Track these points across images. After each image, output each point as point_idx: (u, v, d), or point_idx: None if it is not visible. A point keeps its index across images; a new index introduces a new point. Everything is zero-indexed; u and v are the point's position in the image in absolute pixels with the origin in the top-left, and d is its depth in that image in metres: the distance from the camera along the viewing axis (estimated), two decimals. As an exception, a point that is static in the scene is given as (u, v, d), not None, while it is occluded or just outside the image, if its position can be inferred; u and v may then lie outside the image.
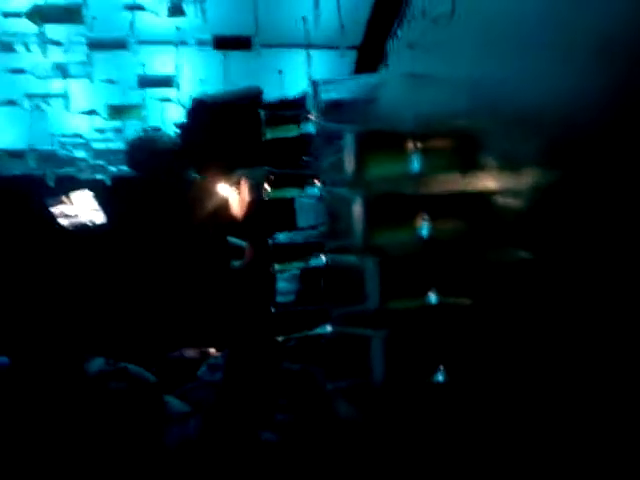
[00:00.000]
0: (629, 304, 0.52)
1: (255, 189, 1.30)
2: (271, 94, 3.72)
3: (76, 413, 1.30)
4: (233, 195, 1.36)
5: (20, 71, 3.13)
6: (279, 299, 1.55)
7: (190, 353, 3.77)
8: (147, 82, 3.45)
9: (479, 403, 0.83)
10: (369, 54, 3.42)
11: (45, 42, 2.87)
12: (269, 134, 1.01)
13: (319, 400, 1.31)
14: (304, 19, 3.18)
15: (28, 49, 2.91)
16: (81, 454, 1.28)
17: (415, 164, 0.95)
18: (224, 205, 1.42)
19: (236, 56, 3.25)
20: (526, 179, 0.74)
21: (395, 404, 1.03)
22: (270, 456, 1.25)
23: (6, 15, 2.79)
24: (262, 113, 1.00)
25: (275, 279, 1.30)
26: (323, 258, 1.11)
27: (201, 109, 2.29)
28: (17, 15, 2.75)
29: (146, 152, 2.64)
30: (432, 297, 0.91)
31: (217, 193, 1.61)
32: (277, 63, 3.56)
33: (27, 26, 2.83)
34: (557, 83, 0.68)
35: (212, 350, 3.31)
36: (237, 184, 1.36)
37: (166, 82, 3.31)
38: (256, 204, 1.28)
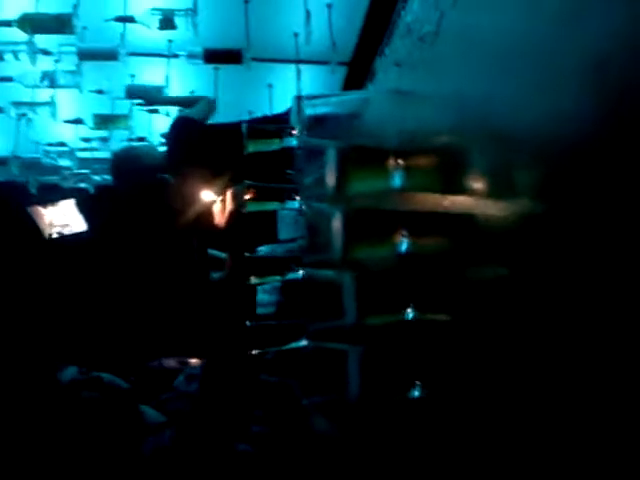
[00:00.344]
0: (612, 325, 0.52)
1: (238, 199, 1.30)
2: (260, 107, 3.74)
3: (49, 422, 1.28)
4: (216, 204, 1.37)
5: (8, 79, 3.12)
6: (259, 310, 1.54)
7: (170, 363, 3.73)
8: (135, 93, 3.45)
9: (455, 419, 0.83)
10: (358, 70, 3.46)
11: (34, 51, 2.87)
12: (251, 147, 1.02)
13: (295, 413, 1.30)
14: (295, 34, 3.21)
15: (17, 58, 2.91)
16: (54, 463, 1.26)
17: (397, 180, 0.95)
18: (206, 214, 1.42)
19: (227, 69, 3.27)
20: (508, 198, 0.75)
21: (371, 419, 1.03)
22: (245, 467, 1.24)
23: (-4, 23, 2.79)
24: (244, 127, 1.00)
25: (254, 291, 1.29)
26: (302, 272, 1.11)
27: (185, 124, 2.30)
28: (7, 24, 2.75)
29: (130, 164, 2.63)
30: (409, 313, 0.91)
31: (199, 202, 1.61)
32: (267, 77, 3.59)
33: (17, 35, 2.82)
34: (541, 101, 0.69)
35: (192, 360, 3.28)
36: (221, 194, 1.37)
37: (155, 93, 3.32)
38: (238, 214, 1.28)
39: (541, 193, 0.66)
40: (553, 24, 0.67)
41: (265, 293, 1.60)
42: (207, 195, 1.69)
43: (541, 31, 0.70)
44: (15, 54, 2.92)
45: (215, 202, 1.39)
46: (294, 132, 1.03)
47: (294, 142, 1.07)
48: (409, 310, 0.91)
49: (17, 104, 3.31)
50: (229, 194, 1.34)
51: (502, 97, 0.78)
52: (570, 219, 0.61)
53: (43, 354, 1.52)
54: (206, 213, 1.43)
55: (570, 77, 0.63)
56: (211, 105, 3.01)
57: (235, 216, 1.30)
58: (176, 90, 3.40)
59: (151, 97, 3.23)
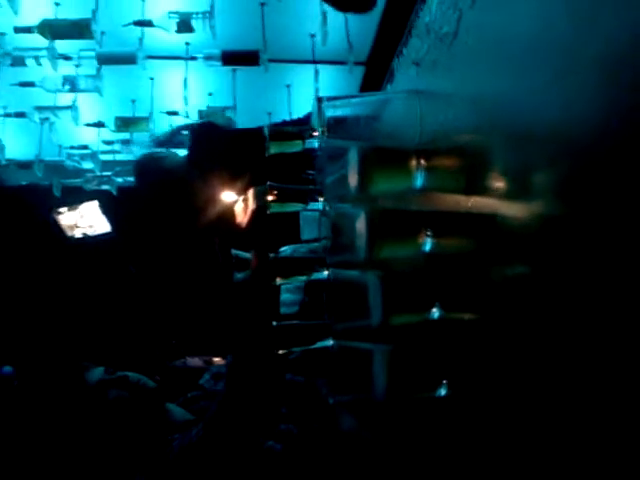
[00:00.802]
0: (632, 323, 0.53)
1: (259, 199, 1.32)
2: (279, 108, 3.77)
3: (77, 421, 1.31)
4: (238, 204, 1.38)
5: (30, 84, 3.17)
6: (283, 310, 1.56)
7: (194, 362, 3.78)
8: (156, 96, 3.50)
9: (481, 418, 0.84)
10: (376, 70, 3.46)
11: (55, 56, 2.92)
12: (273, 149, 1.03)
13: (322, 412, 1.31)
14: (312, 35, 3.23)
15: (38, 63, 2.96)
16: (83, 462, 1.29)
17: (419, 180, 0.96)
18: (229, 215, 1.43)
19: (244, 71, 3.30)
20: (530, 197, 0.75)
21: (397, 418, 1.03)
22: (273, 464, 1.26)
23: (17, 30, 2.84)
24: (266, 129, 1.01)
25: (278, 291, 1.30)
26: (326, 272, 1.11)
27: (207, 127, 2.33)
28: (28, 30, 2.80)
29: (152, 166, 2.67)
30: (435, 312, 0.92)
31: (222, 203, 1.62)
32: (285, 78, 3.61)
33: (38, 41, 2.88)
34: (563, 101, 0.69)
35: (216, 359, 3.31)
36: (242, 193, 1.38)
37: (174, 96, 3.36)
38: (260, 214, 1.29)
39: (562, 192, 0.67)
40: (571, 22, 0.67)
41: (289, 293, 1.62)
42: (229, 195, 1.70)
43: (560, 29, 0.70)
44: (37, 59, 2.97)
45: (237, 202, 1.40)
46: (315, 134, 1.04)
47: (316, 143, 1.08)
48: (434, 309, 0.91)
49: (40, 109, 3.37)
50: (251, 193, 1.35)
51: (521, 96, 0.78)
52: (592, 218, 0.61)
53: (70, 355, 1.55)
54: (228, 214, 1.44)
55: (590, 76, 0.63)
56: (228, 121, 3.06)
57: (257, 215, 1.31)
58: (194, 92, 3.43)
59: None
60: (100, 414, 1.34)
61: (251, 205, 1.32)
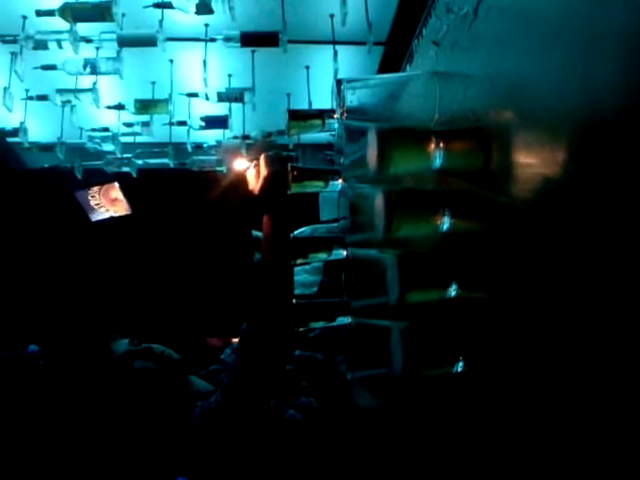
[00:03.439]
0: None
1: (272, 162, 1.33)
2: (298, 90, 3.77)
3: (104, 392, 1.35)
4: (250, 170, 1.39)
5: (52, 67, 3.20)
6: (302, 291, 1.58)
7: (213, 342, 3.83)
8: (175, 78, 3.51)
9: (497, 394, 0.85)
10: (395, 50, 3.44)
11: (76, 39, 2.94)
12: (293, 130, 1.04)
13: (341, 388, 1.34)
14: (331, 16, 3.21)
15: (60, 46, 2.99)
16: (110, 432, 1.33)
17: (437, 160, 0.96)
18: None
19: (263, 52, 3.30)
20: (548, 175, 0.76)
21: (414, 394, 1.05)
22: (292, 431, 1.28)
23: (39, 14, 2.87)
24: (287, 112, 1.02)
25: (292, 270, 1.32)
26: (344, 251, 1.13)
27: None
28: (50, 14, 2.83)
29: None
30: (451, 290, 0.93)
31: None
32: (304, 59, 3.60)
33: (59, 24, 2.90)
34: (582, 82, 0.69)
35: (235, 340, 3.35)
36: (255, 159, 1.38)
37: (193, 78, 3.37)
38: (274, 177, 1.30)
39: (581, 172, 0.67)
40: (592, 3, 0.67)
41: (307, 274, 1.64)
42: (241, 163, 1.70)
43: (580, 10, 0.70)
44: (58, 43, 3.00)
45: (249, 168, 1.41)
46: (335, 114, 1.05)
47: (335, 124, 1.09)
48: (451, 287, 0.93)
49: (61, 91, 3.40)
50: (262, 159, 1.36)
51: (541, 77, 0.79)
52: (610, 199, 0.62)
53: (96, 327, 1.59)
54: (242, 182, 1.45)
55: (610, 56, 0.63)
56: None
57: (272, 177, 1.32)
58: (214, 74, 3.44)
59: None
60: (126, 384, 1.37)
61: (263, 171, 1.33)
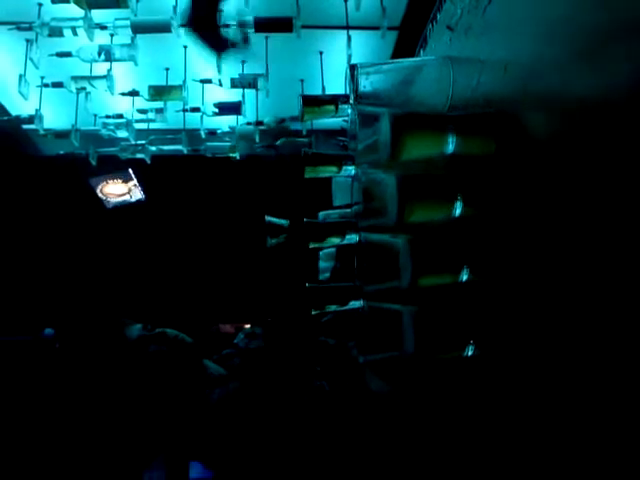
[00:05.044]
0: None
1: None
2: (311, 75, 3.75)
3: (120, 376, 1.37)
4: None
5: (67, 54, 3.21)
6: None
7: (226, 328, 3.88)
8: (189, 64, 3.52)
9: (508, 378, 0.86)
10: (409, 35, 3.41)
11: (91, 26, 2.95)
12: (307, 116, 1.05)
13: (352, 371, 1.35)
14: (345, 0, 3.20)
15: (75, 33, 3.00)
16: (127, 414, 1.35)
17: (450, 146, 0.97)
18: None
19: (277, 38, 3.29)
20: (560, 160, 0.76)
21: (425, 378, 1.06)
22: (305, 414, 1.31)
23: (54, 1, 2.88)
24: (300, 98, 1.03)
25: (311, 256, 1.33)
26: (357, 236, 1.14)
27: None
28: (65, 1, 2.84)
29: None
30: (463, 274, 0.94)
31: None
32: (318, 44, 3.59)
33: (74, 11, 2.91)
34: (596, 65, 0.69)
35: (247, 326, 3.39)
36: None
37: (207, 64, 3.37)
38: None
39: (593, 158, 0.68)
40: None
41: (320, 259, 1.65)
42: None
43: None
44: (73, 30, 3.01)
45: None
46: (349, 99, 1.05)
47: (349, 109, 1.09)
48: (463, 271, 0.94)
49: (76, 79, 3.41)
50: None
51: (554, 62, 0.79)
52: (621, 184, 0.62)
53: (110, 312, 1.61)
54: None
55: (625, 42, 0.63)
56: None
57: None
58: (227, 59, 3.44)
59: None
60: (141, 367, 1.39)
61: None
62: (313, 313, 1.09)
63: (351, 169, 1.11)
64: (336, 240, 1.13)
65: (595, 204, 0.67)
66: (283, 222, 1.30)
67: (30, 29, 3.04)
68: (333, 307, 1.12)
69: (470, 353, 0.93)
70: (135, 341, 1.43)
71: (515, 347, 0.85)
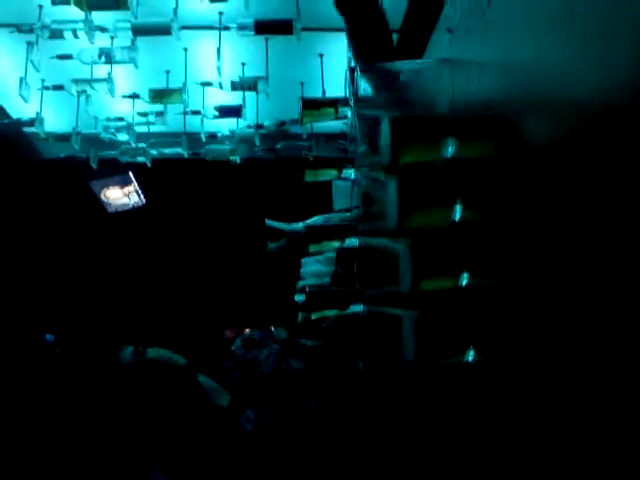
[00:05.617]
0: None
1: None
2: (311, 78, 3.75)
3: (114, 398, 1.36)
4: None
5: (68, 57, 3.21)
6: (315, 281, 1.58)
7: (226, 333, 3.88)
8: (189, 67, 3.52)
9: (508, 383, 0.85)
10: (409, 38, 3.41)
11: (92, 29, 2.95)
12: (307, 119, 1.04)
13: (352, 376, 1.35)
14: (345, 3, 3.19)
15: (75, 35, 3.00)
16: (116, 439, 1.34)
17: (449, 149, 0.96)
18: None
19: (277, 40, 3.28)
20: (559, 164, 0.76)
21: (425, 382, 1.06)
22: (308, 418, 1.30)
23: (54, 3, 2.88)
24: (300, 101, 1.03)
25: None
26: (357, 240, 1.13)
27: None
28: (65, 2, 2.84)
29: None
30: (463, 279, 0.93)
31: None
32: (318, 47, 3.58)
33: (75, 13, 2.91)
34: (594, 70, 0.69)
35: (246, 330, 3.39)
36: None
37: (207, 66, 3.37)
38: None
39: (595, 160, 0.67)
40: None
41: (320, 264, 1.64)
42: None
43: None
44: (74, 32, 3.01)
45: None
46: (348, 102, 1.05)
47: (348, 112, 1.09)
48: (463, 275, 0.93)
49: (77, 81, 3.41)
50: None
51: (553, 64, 0.78)
52: (625, 186, 0.61)
53: (106, 335, 1.61)
54: None
55: (626, 42, 0.62)
56: None
57: None
58: (227, 62, 3.43)
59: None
60: (134, 396, 1.38)
61: None
62: (313, 318, 1.09)
63: (351, 172, 1.11)
64: (336, 244, 1.12)
65: (596, 207, 0.66)
66: (283, 226, 1.29)
67: (31, 31, 3.04)
68: (333, 312, 1.11)
69: (471, 359, 0.92)
70: (128, 367, 1.42)
71: (516, 352, 0.84)
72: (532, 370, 0.79)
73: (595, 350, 0.66)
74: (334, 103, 1.03)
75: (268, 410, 1.32)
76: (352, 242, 1.13)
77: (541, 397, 0.77)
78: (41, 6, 3.08)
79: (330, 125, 2.23)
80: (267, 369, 1.47)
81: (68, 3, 2.84)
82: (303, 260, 1.92)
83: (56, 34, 2.99)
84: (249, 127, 3.77)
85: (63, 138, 3.72)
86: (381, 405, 1.30)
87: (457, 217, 0.91)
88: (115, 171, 4.45)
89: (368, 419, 1.32)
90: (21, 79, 3.34)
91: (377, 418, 1.29)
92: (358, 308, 1.13)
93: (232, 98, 3.68)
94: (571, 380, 0.70)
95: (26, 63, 3.29)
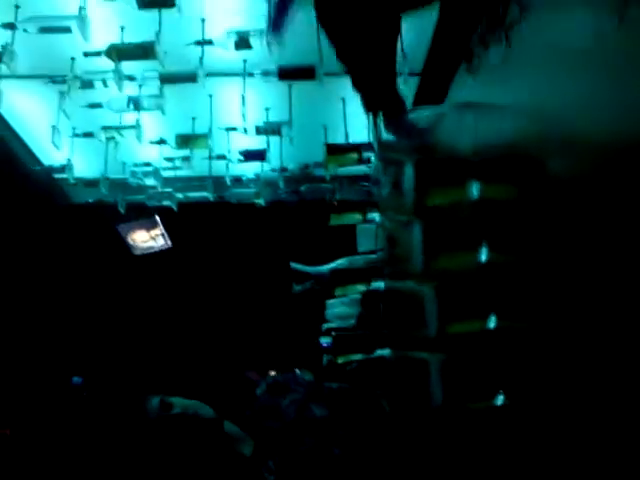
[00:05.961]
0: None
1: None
2: (334, 122, 3.80)
3: (139, 453, 1.35)
4: None
5: (98, 106, 3.31)
6: (340, 323, 1.58)
7: (251, 375, 3.85)
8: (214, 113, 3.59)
9: (538, 426, 0.84)
10: (431, 81, 3.45)
11: (121, 78, 3.04)
12: (331, 164, 1.06)
13: (380, 420, 1.32)
14: (366, 48, 3.24)
15: (105, 85, 3.09)
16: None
17: (474, 191, 0.97)
18: None
19: (300, 85, 3.34)
20: (587, 205, 0.75)
21: (454, 426, 1.04)
22: (333, 466, 1.27)
23: (86, 55, 2.98)
24: (325, 147, 1.04)
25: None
26: (382, 283, 1.13)
27: None
28: (97, 54, 2.94)
29: None
30: (491, 321, 0.93)
31: None
32: (340, 91, 3.63)
33: (105, 64, 3.01)
34: (619, 110, 0.69)
35: (272, 372, 3.37)
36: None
37: (232, 112, 3.44)
38: None
39: (621, 202, 0.67)
40: (624, 30, 0.67)
41: (345, 306, 1.64)
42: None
43: (613, 37, 0.70)
44: (104, 82, 3.11)
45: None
46: (373, 147, 1.06)
47: (372, 156, 1.10)
48: (490, 318, 0.92)
49: (106, 128, 3.50)
50: None
51: (576, 105, 0.79)
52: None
53: (132, 381, 1.61)
54: None
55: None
56: None
57: None
58: (252, 107, 3.50)
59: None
60: (160, 451, 1.37)
61: None
62: (339, 362, 1.08)
63: (375, 215, 1.11)
64: (361, 287, 1.12)
65: (621, 246, 0.66)
66: (308, 269, 1.30)
67: (64, 82, 3.14)
68: (358, 356, 1.10)
69: (500, 402, 0.90)
70: (155, 421, 1.41)
71: (546, 396, 0.82)
72: (562, 413, 0.78)
73: (622, 393, 0.64)
74: (358, 148, 1.05)
75: (289, 461, 1.31)
76: (377, 285, 1.13)
77: (571, 441, 0.75)
78: (73, 58, 3.19)
79: (354, 168, 2.25)
80: (288, 417, 1.45)
81: (99, 55, 2.94)
82: (328, 302, 1.92)
83: (87, 84, 3.09)
84: (273, 170, 3.82)
85: (92, 183, 3.80)
86: (408, 453, 1.28)
87: (483, 259, 0.91)
88: (142, 215, 4.52)
89: (394, 468, 1.29)
90: (53, 127, 3.44)
91: (404, 467, 1.27)
92: (384, 352, 1.12)
93: (256, 142, 3.73)
94: (600, 425, 0.68)
95: (58, 112, 3.39)
